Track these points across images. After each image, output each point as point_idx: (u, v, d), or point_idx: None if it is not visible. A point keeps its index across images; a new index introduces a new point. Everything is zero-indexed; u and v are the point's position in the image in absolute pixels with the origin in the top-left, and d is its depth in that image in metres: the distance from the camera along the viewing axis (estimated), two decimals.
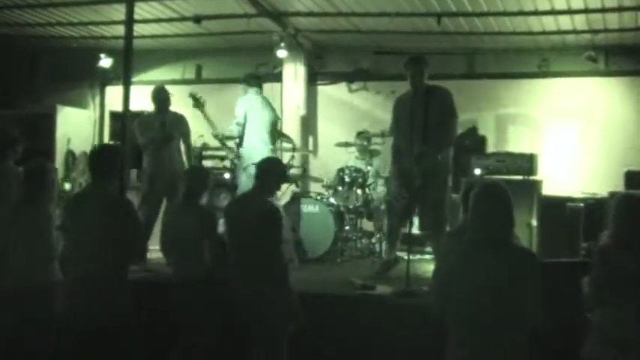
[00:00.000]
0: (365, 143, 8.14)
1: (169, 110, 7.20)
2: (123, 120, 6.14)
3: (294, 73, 9.63)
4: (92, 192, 4.39)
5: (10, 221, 4.60)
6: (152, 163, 7.01)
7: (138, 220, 4.59)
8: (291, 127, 9.34)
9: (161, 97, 7.14)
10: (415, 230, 6.61)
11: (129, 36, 5.96)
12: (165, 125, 6.98)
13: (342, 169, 7.79)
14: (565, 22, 8.03)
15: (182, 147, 7.28)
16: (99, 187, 4.32)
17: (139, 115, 7.30)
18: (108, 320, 4.10)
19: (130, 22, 6.04)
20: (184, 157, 7.31)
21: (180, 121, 7.24)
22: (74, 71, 10.27)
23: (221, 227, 5.34)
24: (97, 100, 10.64)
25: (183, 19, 8.59)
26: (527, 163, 7.29)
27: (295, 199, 7.60)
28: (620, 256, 3.56)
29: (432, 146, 6.03)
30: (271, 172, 4.84)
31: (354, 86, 9.92)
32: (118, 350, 4.12)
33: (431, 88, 6.26)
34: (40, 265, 4.54)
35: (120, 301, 4.20)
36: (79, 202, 4.48)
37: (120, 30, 7.59)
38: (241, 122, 7.20)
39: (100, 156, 4.50)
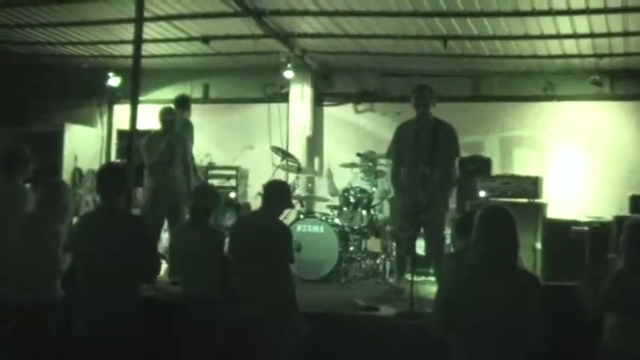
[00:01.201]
0: (370, 164, 8.16)
1: (175, 130, 7.25)
2: (130, 138, 6.19)
3: (301, 93, 9.70)
4: (103, 210, 4.38)
5: (20, 236, 4.64)
6: (156, 182, 7.04)
7: (151, 237, 4.58)
8: (296, 147, 9.40)
9: (168, 117, 7.20)
10: (419, 251, 6.65)
11: (137, 55, 6.03)
12: (170, 145, 7.03)
13: (346, 190, 7.81)
14: (570, 46, 8.08)
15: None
16: (109, 204, 4.33)
17: (146, 134, 7.35)
18: (119, 335, 4.07)
19: (138, 41, 6.10)
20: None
21: (183, 141, 7.29)
22: (83, 89, 10.36)
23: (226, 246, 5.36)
24: (105, 118, 10.70)
25: (191, 39, 8.66)
26: (532, 185, 7.31)
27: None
28: (635, 280, 3.61)
29: (435, 181, 6.14)
30: (278, 195, 4.93)
31: (360, 107, 9.97)
32: None
33: (439, 123, 6.39)
34: (44, 282, 4.57)
35: (132, 317, 4.17)
36: (91, 220, 4.46)
37: (129, 49, 7.66)
38: None
39: (110, 174, 4.52)
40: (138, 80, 6.06)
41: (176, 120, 7.29)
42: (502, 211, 3.44)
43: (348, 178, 8.33)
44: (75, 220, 6.63)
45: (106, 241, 4.12)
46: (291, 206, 5.84)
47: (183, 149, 7.28)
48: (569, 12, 6.94)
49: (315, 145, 9.91)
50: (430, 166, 6.14)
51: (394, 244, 7.64)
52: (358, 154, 8.27)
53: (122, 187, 4.44)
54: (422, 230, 6.50)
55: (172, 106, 7.61)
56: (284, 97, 9.76)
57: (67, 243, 4.52)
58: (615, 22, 7.18)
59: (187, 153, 7.35)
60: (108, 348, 4.04)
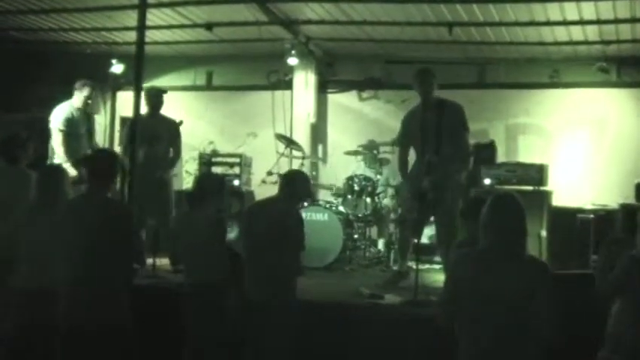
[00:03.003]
0: (374, 152, 8.13)
1: (160, 114, 7.08)
2: (133, 125, 6.15)
3: (305, 80, 9.64)
4: (89, 197, 4.34)
5: (25, 224, 4.63)
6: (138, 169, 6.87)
7: (133, 225, 4.48)
8: (300, 134, 9.35)
9: (154, 99, 7.03)
10: (424, 240, 6.60)
11: (141, 42, 5.99)
12: (149, 128, 6.78)
13: (351, 178, 7.78)
14: (577, 33, 8.01)
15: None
16: (94, 192, 4.29)
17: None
18: (103, 324, 4.04)
19: (142, 28, 6.06)
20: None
21: (170, 125, 7.09)
22: (86, 76, 10.27)
23: (232, 234, 5.35)
24: (108, 105, 10.67)
25: (195, 25, 8.60)
26: (537, 173, 7.27)
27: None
28: None
29: (445, 159, 6.04)
30: (298, 184, 4.97)
31: (364, 95, 9.91)
32: (112, 355, 4.09)
33: (443, 102, 6.28)
34: (52, 269, 4.56)
35: (116, 306, 4.13)
36: (75, 207, 4.40)
37: (132, 36, 7.61)
38: None
39: (95, 161, 4.48)
40: (141, 67, 6.02)
41: (161, 102, 7.06)
42: (511, 199, 3.42)
43: (352, 166, 8.30)
44: None
45: (86, 228, 4.09)
46: (310, 196, 5.81)
47: (172, 134, 7.04)
48: None
49: (319, 132, 9.86)
50: (437, 151, 6.06)
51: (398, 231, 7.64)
52: (360, 146, 8.26)
53: (110, 175, 4.40)
54: (432, 218, 6.42)
55: (159, 88, 7.39)
56: (288, 85, 9.71)
57: None
58: (622, 8, 7.11)
59: (176, 138, 7.10)
60: (89, 338, 4.00)
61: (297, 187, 4.95)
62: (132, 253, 4.39)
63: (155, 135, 6.85)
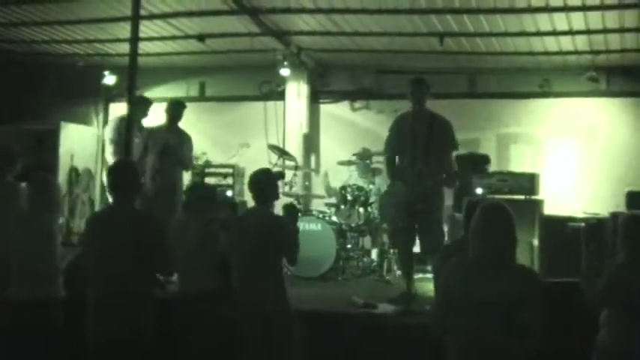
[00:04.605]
0: (367, 162, 8.15)
1: (177, 126, 7.17)
2: (126, 136, 6.18)
3: (297, 91, 9.69)
4: (116, 209, 4.30)
5: (13, 236, 4.62)
6: (151, 177, 6.95)
7: (164, 235, 4.39)
8: (293, 145, 9.39)
9: (174, 111, 7.14)
10: (415, 249, 6.60)
11: (134, 53, 6.01)
12: (168, 141, 6.94)
13: (344, 188, 7.80)
14: (566, 43, 8.09)
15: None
16: (122, 203, 4.24)
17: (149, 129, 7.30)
18: (127, 334, 4.03)
19: (135, 39, 6.09)
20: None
21: (186, 140, 7.22)
22: (79, 88, 10.32)
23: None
24: (101, 116, 10.66)
25: (187, 37, 8.64)
26: (528, 182, 7.31)
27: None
28: (630, 275, 3.63)
29: (433, 170, 6.07)
30: (260, 183, 4.82)
31: (356, 105, 9.96)
32: None
33: (434, 115, 6.31)
34: (43, 280, 4.56)
35: (142, 317, 4.11)
36: (103, 219, 4.40)
37: (124, 47, 7.62)
38: None
39: (121, 173, 4.45)
40: (134, 78, 6.05)
41: (181, 115, 7.20)
42: (501, 208, 3.45)
43: (344, 176, 8.32)
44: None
45: (116, 240, 4.06)
46: (280, 177, 5.73)
47: (186, 150, 7.16)
48: (566, 8, 6.96)
49: (311, 142, 9.89)
50: (426, 162, 6.09)
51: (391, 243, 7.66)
52: (354, 155, 8.28)
53: (135, 186, 4.39)
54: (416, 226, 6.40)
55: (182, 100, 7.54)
56: (280, 95, 9.75)
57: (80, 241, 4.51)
58: (611, 19, 7.19)
59: (188, 155, 7.23)
60: (117, 348, 4.00)
61: (264, 186, 4.78)
62: (159, 263, 4.34)
63: (166, 146, 6.96)
